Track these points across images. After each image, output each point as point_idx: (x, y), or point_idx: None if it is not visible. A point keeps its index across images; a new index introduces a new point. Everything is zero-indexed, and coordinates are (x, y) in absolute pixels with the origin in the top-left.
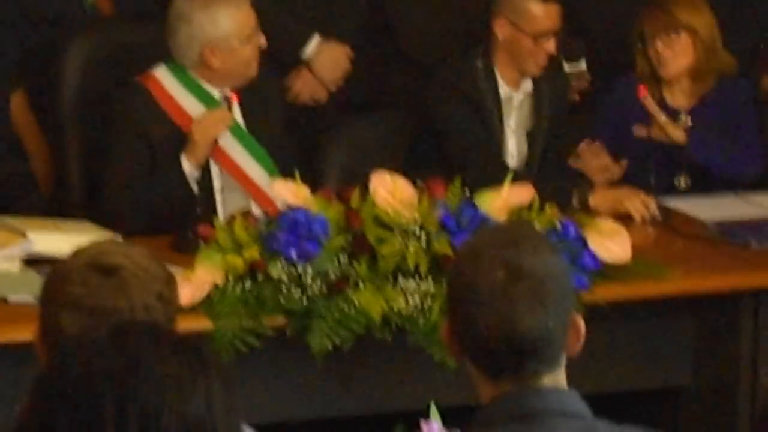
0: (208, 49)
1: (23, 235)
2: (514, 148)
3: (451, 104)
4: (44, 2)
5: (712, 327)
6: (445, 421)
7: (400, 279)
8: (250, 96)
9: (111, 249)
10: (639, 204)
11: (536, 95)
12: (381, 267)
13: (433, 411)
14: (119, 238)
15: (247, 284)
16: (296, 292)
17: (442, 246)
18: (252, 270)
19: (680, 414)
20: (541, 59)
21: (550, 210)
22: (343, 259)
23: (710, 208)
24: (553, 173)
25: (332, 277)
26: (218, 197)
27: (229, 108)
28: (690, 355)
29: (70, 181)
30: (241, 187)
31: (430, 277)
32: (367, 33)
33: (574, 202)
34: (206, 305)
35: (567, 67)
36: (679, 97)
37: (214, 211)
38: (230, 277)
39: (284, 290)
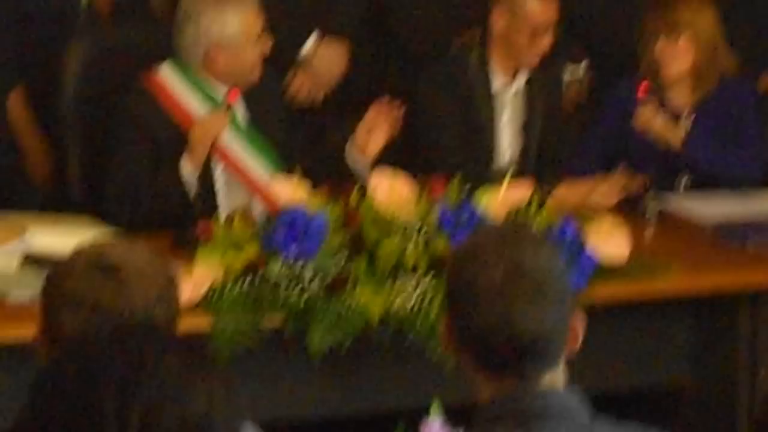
0: (214, 50)
1: (22, 232)
2: (507, 142)
3: (437, 98)
4: (43, 2)
5: (710, 326)
6: (444, 420)
7: (399, 278)
8: (253, 94)
9: (113, 248)
10: (604, 193)
11: (529, 90)
12: (379, 266)
13: (435, 407)
14: (118, 235)
15: (246, 283)
16: (295, 291)
17: (440, 245)
18: (250, 269)
19: (679, 413)
20: (536, 53)
21: (549, 209)
22: (342, 258)
23: (709, 209)
24: (548, 169)
25: (331, 276)
26: (220, 195)
27: (228, 109)
28: (688, 355)
29: (70, 179)
30: (243, 185)
31: (428, 276)
32: (365, 31)
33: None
34: (205, 304)
35: (569, 69)
36: (681, 96)
37: (216, 210)
38: (229, 276)
39: (283, 289)
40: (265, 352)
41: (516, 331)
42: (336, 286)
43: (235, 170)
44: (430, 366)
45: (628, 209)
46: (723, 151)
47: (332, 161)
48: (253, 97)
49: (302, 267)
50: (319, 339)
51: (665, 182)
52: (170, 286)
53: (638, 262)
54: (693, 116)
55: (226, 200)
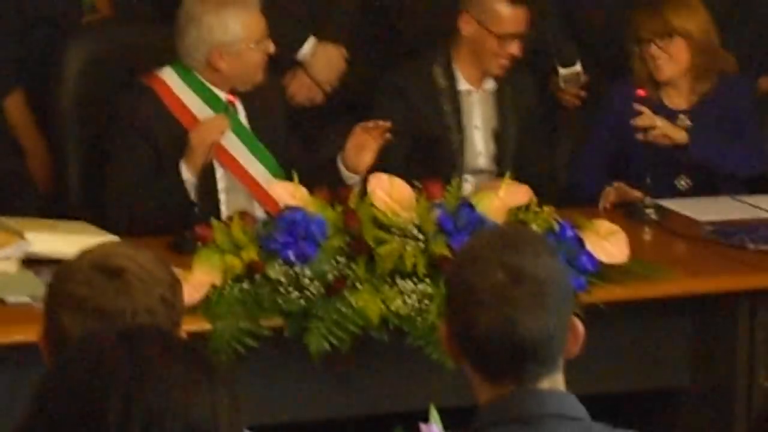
0: (216, 53)
1: (21, 235)
2: (482, 146)
3: (390, 105)
4: (43, 2)
5: (709, 328)
6: (443, 422)
7: (398, 280)
8: (254, 97)
9: (116, 251)
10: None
11: (499, 94)
12: (379, 268)
13: (433, 414)
14: (117, 239)
15: (245, 285)
16: (294, 293)
17: (439, 247)
18: (250, 271)
19: (678, 415)
20: (503, 60)
21: (548, 211)
22: (341, 260)
23: (707, 210)
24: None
25: (330, 278)
26: (222, 198)
27: (227, 111)
28: (687, 357)
29: (69, 182)
30: (244, 188)
31: (427, 278)
32: (364, 34)
33: None
34: (204, 306)
35: (562, 71)
36: (677, 98)
37: (217, 212)
38: (228, 278)
39: (282, 291)
40: (265, 354)
41: (517, 335)
42: (335, 288)
43: (237, 172)
44: (429, 368)
45: (627, 212)
46: (723, 150)
47: (331, 164)
48: (253, 100)
49: (302, 269)
50: (318, 341)
51: (663, 184)
52: (174, 289)
53: (637, 265)
54: (689, 116)
55: (227, 203)
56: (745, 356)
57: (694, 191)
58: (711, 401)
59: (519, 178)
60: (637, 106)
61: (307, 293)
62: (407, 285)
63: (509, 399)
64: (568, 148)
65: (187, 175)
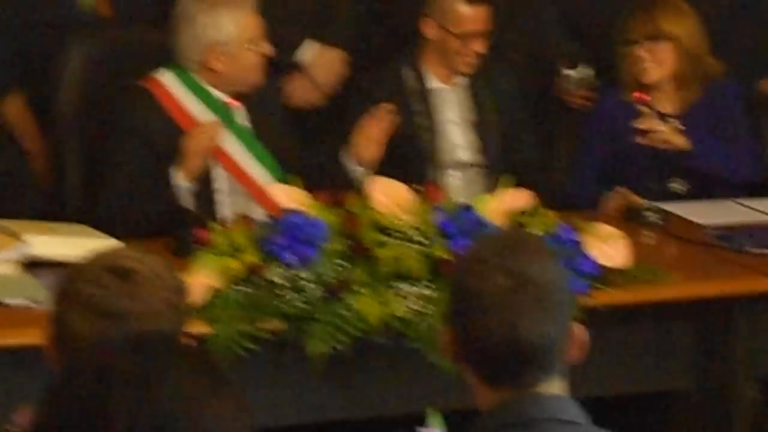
0: (211, 52)
1: (20, 238)
2: (461, 140)
3: (360, 109)
4: (42, 5)
5: (709, 331)
6: (444, 426)
7: (399, 283)
8: (254, 100)
9: (127, 254)
10: None
11: (472, 87)
12: (379, 271)
13: (435, 418)
14: (116, 243)
15: (245, 288)
16: (294, 297)
17: (440, 250)
18: (250, 274)
19: (678, 418)
20: (469, 59)
21: (548, 214)
22: (342, 263)
23: (708, 214)
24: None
25: (330, 281)
26: (220, 200)
27: (226, 113)
28: (688, 360)
29: (69, 184)
30: (245, 190)
31: (428, 282)
32: (364, 37)
33: None
34: (204, 309)
35: (571, 73)
36: (666, 102)
37: (217, 215)
38: (228, 281)
39: (282, 294)
40: (265, 358)
41: (519, 340)
42: (335, 291)
43: (236, 174)
44: (429, 371)
45: (628, 215)
46: (719, 155)
47: (330, 166)
48: (253, 102)
49: (302, 272)
50: (318, 344)
51: (659, 187)
52: (181, 294)
53: (637, 268)
54: (680, 121)
55: (226, 205)
56: (746, 360)
57: (688, 195)
58: (711, 405)
59: (506, 167)
60: (640, 107)
61: (307, 296)
62: (408, 288)
63: (509, 403)
64: (568, 151)
65: (180, 180)
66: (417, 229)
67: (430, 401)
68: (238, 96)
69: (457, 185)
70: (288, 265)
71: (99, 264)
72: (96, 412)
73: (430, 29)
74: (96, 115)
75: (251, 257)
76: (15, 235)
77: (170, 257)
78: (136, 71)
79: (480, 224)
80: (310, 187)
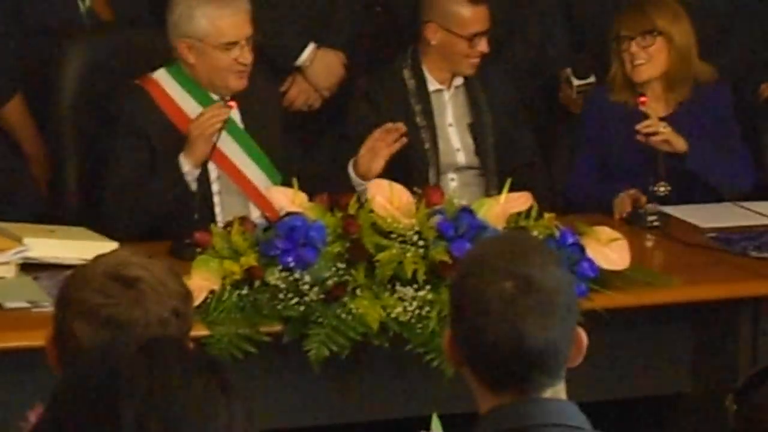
0: (182, 43)
1: (19, 240)
2: (459, 143)
3: (360, 111)
4: (42, 8)
5: (710, 335)
6: (443, 429)
7: (398, 286)
8: (250, 101)
9: (131, 260)
10: None
11: (469, 89)
12: (378, 274)
13: (435, 422)
14: (115, 244)
15: (244, 291)
16: (293, 299)
17: (439, 253)
18: (249, 277)
19: (679, 421)
20: (474, 60)
21: (548, 217)
22: (341, 266)
23: (709, 217)
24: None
25: (330, 284)
26: (216, 201)
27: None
28: (689, 364)
29: (68, 186)
30: (240, 190)
31: (427, 285)
32: (363, 39)
33: None
34: (203, 312)
35: (577, 82)
36: (655, 104)
37: (212, 216)
38: (227, 284)
39: (281, 297)
40: (264, 360)
41: (524, 345)
42: (335, 295)
43: (234, 175)
44: (428, 374)
45: (629, 218)
46: (715, 159)
47: (329, 169)
48: (249, 104)
49: (301, 275)
50: (317, 347)
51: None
52: (186, 301)
53: (638, 271)
54: (669, 123)
55: (222, 207)
56: (747, 363)
57: (672, 199)
58: (712, 407)
59: (503, 168)
60: (644, 109)
61: (307, 299)
62: (407, 291)
63: (511, 407)
64: (566, 153)
65: (187, 167)
66: (416, 232)
67: (430, 404)
68: (234, 96)
69: (456, 188)
70: (287, 268)
71: (104, 271)
72: (104, 419)
73: (433, 33)
74: (94, 117)
75: (250, 260)
76: (15, 238)
77: (169, 260)
78: (135, 75)
79: (479, 227)
80: (310, 190)
